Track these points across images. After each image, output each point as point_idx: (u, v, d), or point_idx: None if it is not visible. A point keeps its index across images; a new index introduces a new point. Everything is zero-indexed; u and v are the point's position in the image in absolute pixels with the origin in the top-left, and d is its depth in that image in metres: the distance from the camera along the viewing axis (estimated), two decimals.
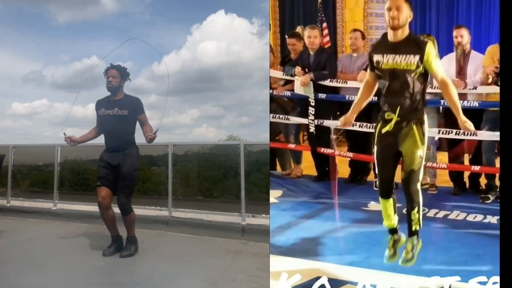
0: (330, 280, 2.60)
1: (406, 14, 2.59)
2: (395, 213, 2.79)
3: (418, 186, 2.68)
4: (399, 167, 2.80)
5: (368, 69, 2.82)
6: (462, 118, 2.64)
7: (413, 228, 2.74)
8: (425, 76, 2.65)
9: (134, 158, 3.70)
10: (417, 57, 2.57)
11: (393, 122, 2.63)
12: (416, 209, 2.69)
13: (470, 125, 2.65)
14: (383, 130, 2.68)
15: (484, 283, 2.48)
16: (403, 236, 2.82)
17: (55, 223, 5.23)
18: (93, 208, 5.40)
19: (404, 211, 2.80)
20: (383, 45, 2.69)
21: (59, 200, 5.82)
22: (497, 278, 2.44)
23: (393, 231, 2.82)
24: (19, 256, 3.70)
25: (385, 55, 2.64)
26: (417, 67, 2.58)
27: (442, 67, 2.70)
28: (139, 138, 3.79)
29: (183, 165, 5.53)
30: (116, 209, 3.75)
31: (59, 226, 5.06)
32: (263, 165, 4.97)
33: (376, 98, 2.84)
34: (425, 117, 2.67)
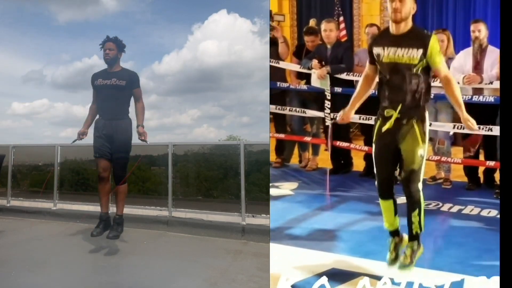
0: (343, 272, 2.59)
1: (409, 6, 2.50)
2: (396, 215, 2.69)
3: (419, 186, 2.56)
4: None
5: (368, 62, 2.72)
6: (465, 116, 2.57)
7: (414, 232, 2.61)
8: (428, 71, 2.53)
9: (127, 128, 3.79)
10: (420, 51, 2.47)
11: (393, 119, 2.53)
12: (416, 211, 2.57)
13: (473, 123, 2.58)
14: (383, 128, 2.58)
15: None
16: (405, 237, 2.70)
17: (55, 223, 5.22)
18: (93, 208, 5.42)
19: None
20: (385, 38, 2.58)
21: (59, 200, 5.81)
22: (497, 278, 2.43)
23: (394, 233, 2.72)
24: (19, 256, 3.69)
25: (386, 48, 2.54)
26: (420, 61, 2.48)
27: (445, 63, 2.60)
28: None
29: (183, 165, 5.52)
30: None
31: (59, 226, 5.05)
32: (263, 165, 4.97)
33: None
34: (427, 115, 2.58)
